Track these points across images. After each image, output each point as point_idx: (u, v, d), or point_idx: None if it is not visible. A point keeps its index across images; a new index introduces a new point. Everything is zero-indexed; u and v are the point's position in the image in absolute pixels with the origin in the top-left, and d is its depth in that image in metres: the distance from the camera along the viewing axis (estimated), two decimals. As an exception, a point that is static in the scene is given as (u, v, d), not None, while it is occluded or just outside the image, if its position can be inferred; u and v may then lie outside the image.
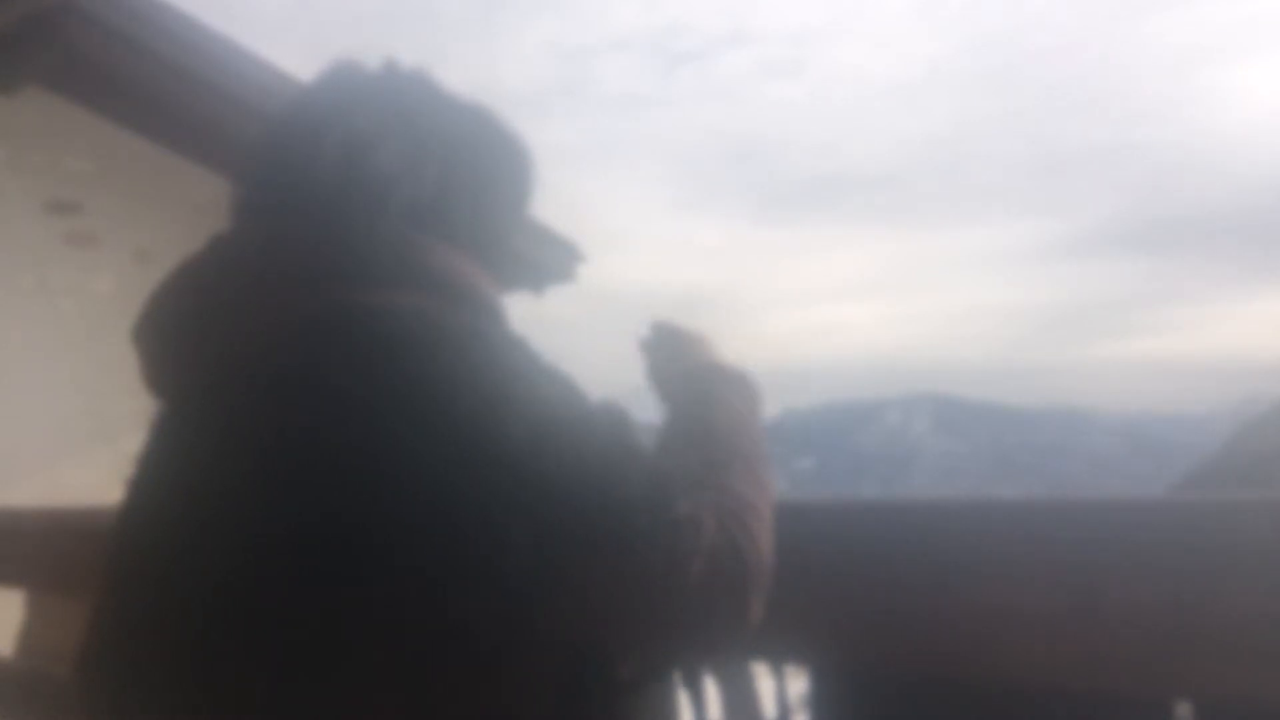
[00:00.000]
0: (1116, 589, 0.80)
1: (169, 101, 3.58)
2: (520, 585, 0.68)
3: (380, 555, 0.68)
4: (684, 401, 0.97)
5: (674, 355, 1.06)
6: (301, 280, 0.79)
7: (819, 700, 1.01)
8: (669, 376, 1.05)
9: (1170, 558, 0.79)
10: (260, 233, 0.85)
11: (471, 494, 0.68)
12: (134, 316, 0.87)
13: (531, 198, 1.02)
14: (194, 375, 0.82)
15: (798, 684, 1.07)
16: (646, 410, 1.00)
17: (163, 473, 0.84)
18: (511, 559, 0.67)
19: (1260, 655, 0.75)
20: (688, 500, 0.73)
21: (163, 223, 4.07)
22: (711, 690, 1.09)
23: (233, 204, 0.91)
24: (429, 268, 0.82)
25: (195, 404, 0.82)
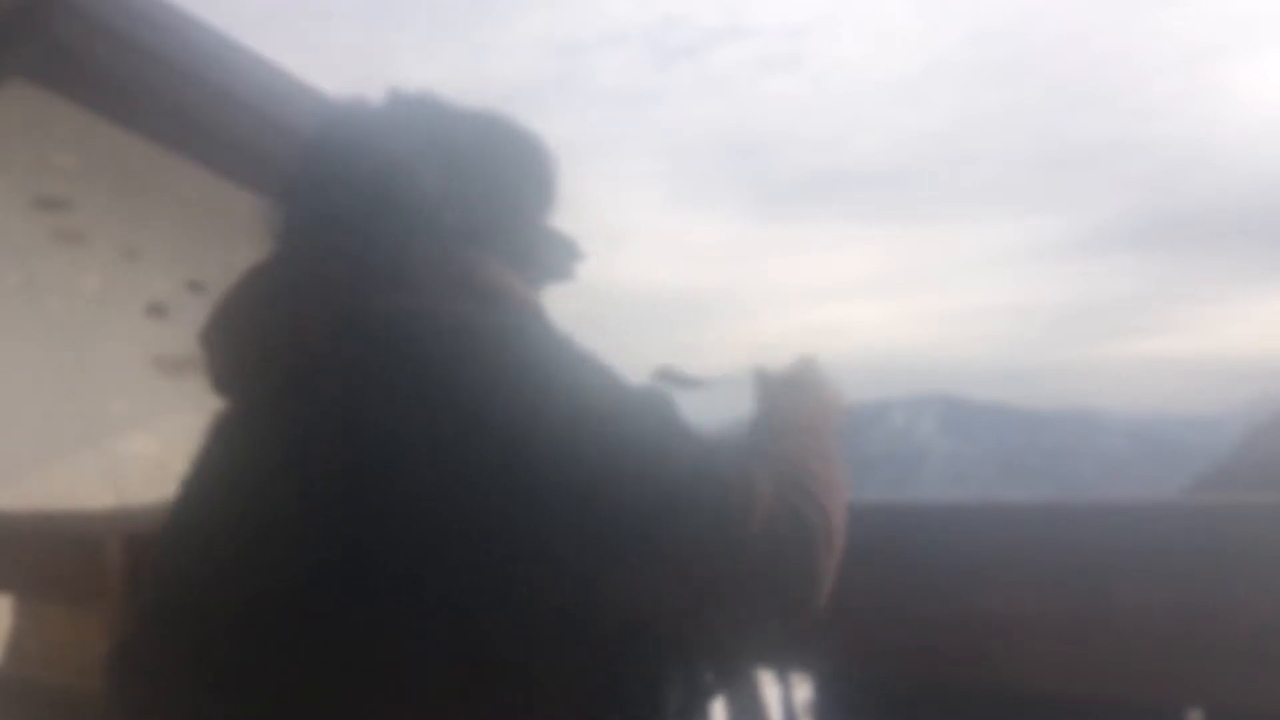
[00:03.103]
0: (1126, 593, 0.80)
1: (157, 96, 3.58)
2: (575, 567, 0.71)
3: (437, 551, 0.71)
4: (764, 404, 0.97)
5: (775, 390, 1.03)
6: (356, 291, 0.84)
7: (825, 707, 1.01)
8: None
9: (1181, 561, 0.79)
10: (316, 248, 0.90)
11: (524, 484, 0.71)
12: (203, 319, 0.93)
13: (558, 197, 1.07)
14: (257, 380, 0.87)
15: (803, 691, 1.08)
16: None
17: (222, 474, 0.87)
18: (565, 542, 0.70)
19: (1273, 662, 0.73)
20: (736, 468, 0.74)
21: (151, 219, 4.06)
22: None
23: (276, 228, 0.95)
24: (472, 281, 0.87)
25: (257, 408, 0.87)
